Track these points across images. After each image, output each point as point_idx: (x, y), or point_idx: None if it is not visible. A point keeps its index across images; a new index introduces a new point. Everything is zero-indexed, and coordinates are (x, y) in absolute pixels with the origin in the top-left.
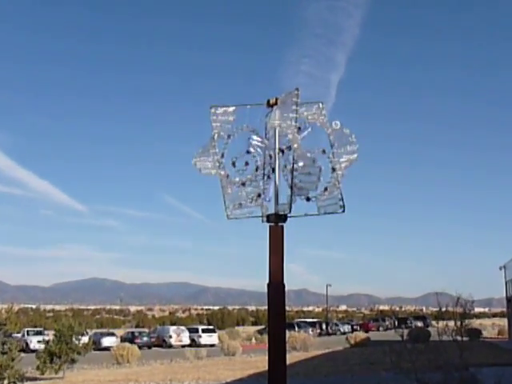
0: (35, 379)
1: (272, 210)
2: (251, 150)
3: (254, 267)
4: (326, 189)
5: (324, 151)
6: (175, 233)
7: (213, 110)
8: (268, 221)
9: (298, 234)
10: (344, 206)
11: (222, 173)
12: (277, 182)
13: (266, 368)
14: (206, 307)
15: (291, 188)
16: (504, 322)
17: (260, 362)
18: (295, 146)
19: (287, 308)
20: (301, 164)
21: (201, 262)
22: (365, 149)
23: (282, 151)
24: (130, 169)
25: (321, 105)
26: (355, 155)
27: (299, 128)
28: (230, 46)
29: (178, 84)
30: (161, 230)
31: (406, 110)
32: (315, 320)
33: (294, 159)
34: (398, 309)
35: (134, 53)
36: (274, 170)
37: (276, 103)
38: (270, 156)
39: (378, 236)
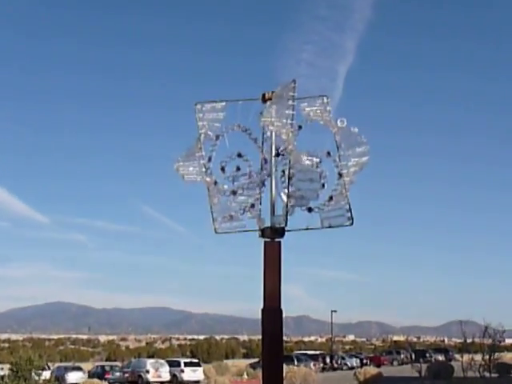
0: None
1: (268, 223)
2: (243, 153)
3: (246, 290)
4: (331, 198)
5: (329, 153)
6: (154, 249)
7: (198, 107)
8: (263, 236)
9: (298, 250)
10: (352, 218)
11: (209, 179)
12: (273, 191)
13: None
14: (190, 336)
15: (287, 197)
16: None
17: None
18: (290, 147)
19: (285, 338)
20: (299, 169)
21: (184, 283)
22: (379, 150)
23: (278, 154)
24: (100, 174)
25: (325, 99)
26: (365, 158)
27: (300, 127)
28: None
29: (158, 81)
30: (137, 246)
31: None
32: (318, 352)
33: (290, 163)
34: (414, 340)
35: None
36: (269, 176)
37: (271, 98)
38: (266, 160)
39: (391, 255)
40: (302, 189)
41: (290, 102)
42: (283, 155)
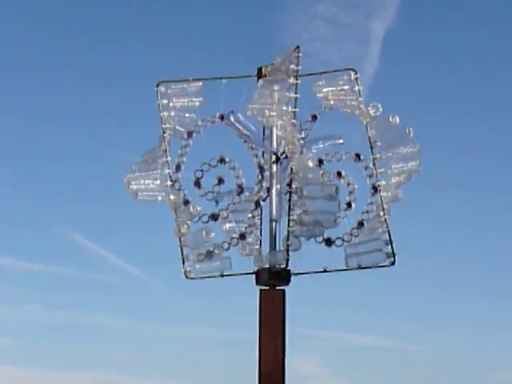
0: None
1: (266, 263)
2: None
3: (233, 363)
4: (361, 224)
5: (358, 157)
6: (96, 301)
7: (161, 89)
8: (258, 282)
9: (312, 301)
10: (394, 255)
11: (176, 198)
12: (274, 214)
13: None
14: None
15: (288, 223)
16: None
17: None
18: (289, 147)
19: None
20: (307, 180)
21: (137, 351)
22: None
23: (278, 159)
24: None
25: (352, 74)
26: (415, 163)
27: (314, 117)
28: None
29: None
30: (65, 297)
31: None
32: None
33: (292, 173)
34: None
35: None
36: (268, 191)
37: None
38: (262, 168)
39: (461, 309)
40: (315, 211)
41: (292, 80)
42: (285, 157)
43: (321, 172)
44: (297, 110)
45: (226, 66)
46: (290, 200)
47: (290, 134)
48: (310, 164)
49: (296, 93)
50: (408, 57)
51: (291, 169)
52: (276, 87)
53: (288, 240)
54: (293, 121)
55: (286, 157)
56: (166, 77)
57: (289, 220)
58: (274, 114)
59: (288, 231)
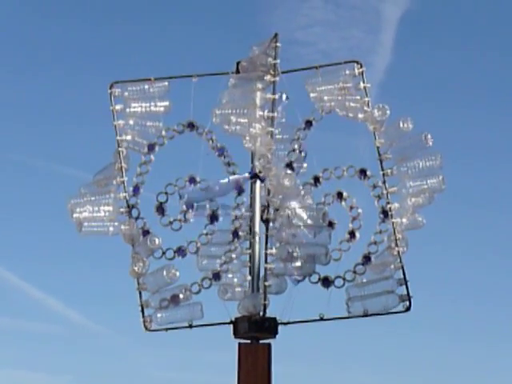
0: None
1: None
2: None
3: None
4: (367, 259)
5: (364, 173)
6: (28, 357)
7: (116, 92)
8: (236, 334)
9: (306, 358)
10: (410, 299)
11: (133, 229)
12: (256, 248)
13: None
14: None
15: (265, 258)
16: None
17: None
18: (260, 161)
19: None
20: (287, 204)
21: None
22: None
23: (256, 177)
24: None
25: (356, 68)
26: (436, 180)
27: (308, 123)
28: None
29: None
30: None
31: None
32: None
33: (268, 195)
34: None
35: None
36: (249, 219)
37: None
38: (241, 189)
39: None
40: (300, 243)
41: (269, 77)
42: (262, 180)
43: (302, 193)
44: (275, 115)
45: (197, 61)
46: (267, 229)
47: (264, 146)
48: (286, 183)
49: (274, 93)
50: (427, 47)
51: (268, 190)
52: (250, 86)
53: (266, 280)
54: (269, 129)
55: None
56: (125, 73)
57: (266, 254)
58: (244, 120)
59: (265, 269)
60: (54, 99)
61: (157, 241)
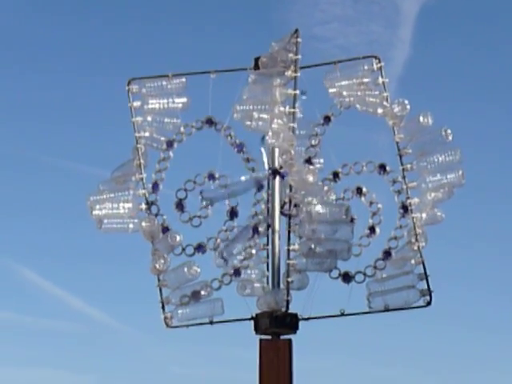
0: None
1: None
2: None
3: None
4: (387, 254)
5: (383, 168)
6: (49, 355)
7: (134, 89)
8: (257, 330)
9: (327, 351)
10: (431, 293)
11: (154, 226)
12: (276, 244)
13: None
14: None
15: (288, 254)
16: None
17: None
18: (283, 157)
19: None
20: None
21: None
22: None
23: (278, 173)
24: None
25: (375, 63)
26: (456, 175)
27: (327, 118)
28: None
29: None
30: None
31: None
32: None
33: (291, 191)
34: None
35: None
36: (269, 215)
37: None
38: (261, 185)
39: None
40: (323, 238)
41: (290, 73)
42: (283, 176)
43: (325, 188)
44: (296, 110)
45: (216, 57)
46: (289, 225)
47: (286, 142)
48: (310, 179)
49: (295, 89)
50: (447, 42)
51: (290, 186)
52: (271, 82)
53: (288, 276)
54: (290, 124)
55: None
56: (143, 70)
57: (288, 250)
58: (266, 116)
59: (288, 265)
60: (71, 97)
61: (178, 237)
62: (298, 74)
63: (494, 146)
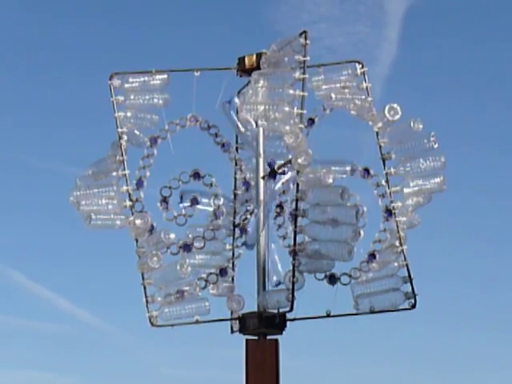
0: None
1: (252, 306)
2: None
3: None
4: (372, 256)
5: (368, 172)
6: (37, 357)
7: (116, 83)
8: (244, 330)
9: (310, 350)
10: (415, 296)
11: (139, 222)
12: (262, 244)
13: None
14: None
15: (294, 255)
16: None
17: None
18: (302, 159)
19: None
20: (317, 200)
21: None
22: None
23: (274, 173)
24: None
25: (358, 68)
26: (438, 180)
27: (310, 121)
28: None
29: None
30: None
31: None
32: None
33: (298, 192)
34: None
35: None
36: (255, 215)
37: (257, 66)
38: (248, 184)
39: None
40: (317, 241)
41: (298, 75)
42: (282, 173)
43: (339, 191)
44: (304, 112)
45: (203, 56)
46: (295, 225)
47: (303, 143)
48: (330, 181)
49: (303, 90)
50: (434, 41)
51: (297, 185)
52: (277, 82)
53: (294, 276)
54: (300, 125)
55: (284, 172)
56: (124, 65)
57: (294, 251)
58: (280, 116)
59: (293, 265)
60: (50, 94)
61: (172, 236)
62: (307, 76)
63: (479, 145)
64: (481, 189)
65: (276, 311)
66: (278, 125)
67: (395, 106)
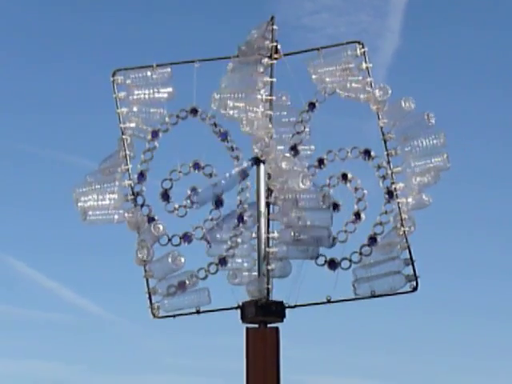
0: None
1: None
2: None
3: None
4: (373, 240)
5: (368, 154)
6: (41, 346)
7: (119, 79)
8: (243, 319)
9: (312, 338)
10: (417, 279)
11: (139, 216)
12: (262, 231)
13: None
14: None
15: (267, 242)
16: None
17: None
18: (258, 145)
19: None
20: (290, 187)
21: None
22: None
23: (259, 161)
24: None
25: (358, 49)
26: (441, 158)
27: (311, 105)
28: None
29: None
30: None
31: None
32: None
33: (269, 179)
34: None
35: None
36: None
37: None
38: (245, 173)
39: None
40: (302, 226)
41: (267, 60)
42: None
43: (301, 176)
44: (273, 97)
45: (205, 47)
46: (268, 213)
47: (261, 130)
48: (284, 166)
49: (271, 76)
50: (436, 31)
51: (268, 174)
52: (248, 70)
53: (268, 264)
54: (268, 112)
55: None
56: (128, 61)
57: (268, 238)
58: (241, 105)
59: (267, 252)
60: (59, 89)
61: (161, 227)
62: (275, 62)
63: (481, 132)
64: (484, 177)
65: (264, 299)
66: (237, 113)
67: (385, 85)
